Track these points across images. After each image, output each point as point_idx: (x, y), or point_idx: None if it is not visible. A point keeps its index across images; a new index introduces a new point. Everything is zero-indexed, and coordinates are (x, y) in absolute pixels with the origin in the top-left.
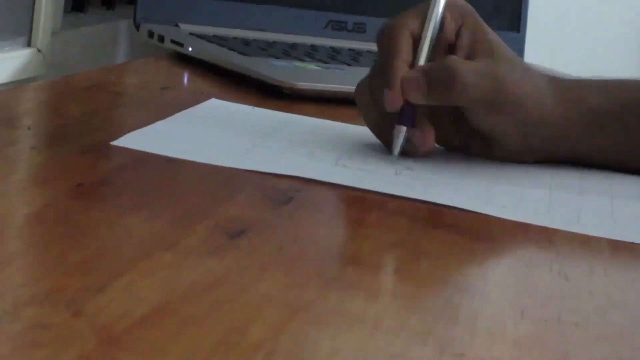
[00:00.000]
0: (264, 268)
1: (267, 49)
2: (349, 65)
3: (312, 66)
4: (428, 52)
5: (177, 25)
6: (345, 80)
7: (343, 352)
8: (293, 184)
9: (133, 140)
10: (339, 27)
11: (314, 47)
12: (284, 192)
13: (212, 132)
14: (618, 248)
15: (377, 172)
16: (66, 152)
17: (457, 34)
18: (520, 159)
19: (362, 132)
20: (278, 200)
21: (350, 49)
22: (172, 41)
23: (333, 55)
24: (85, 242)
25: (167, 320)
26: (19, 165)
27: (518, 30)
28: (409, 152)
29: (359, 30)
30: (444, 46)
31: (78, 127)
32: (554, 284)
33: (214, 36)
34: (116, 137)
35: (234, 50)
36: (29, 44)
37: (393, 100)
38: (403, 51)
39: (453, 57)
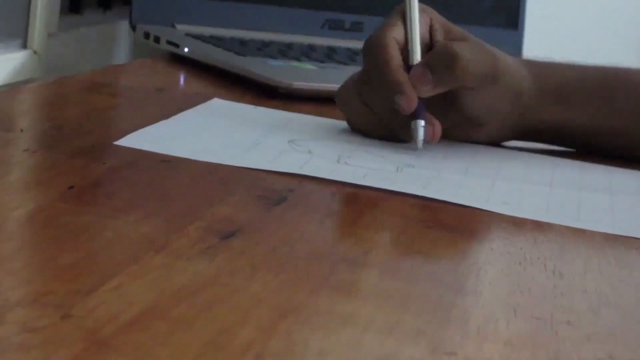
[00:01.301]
0: (255, 269)
1: (264, 49)
2: (346, 64)
3: (308, 66)
4: (420, 49)
5: (173, 26)
6: (342, 79)
7: (334, 353)
8: (287, 183)
9: (136, 140)
10: (335, 27)
11: (310, 47)
12: (277, 192)
13: (215, 131)
14: (613, 246)
15: (379, 169)
16: (59, 155)
17: (430, 31)
18: (500, 138)
19: None
20: (271, 200)
21: (347, 49)
22: (168, 42)
23: (330, 55)
24: (76, 244)
25: (156, 322)
26: (11, 167)
27: (516, 28)
28: (401, 141)
29: (356, 29)
30: (422, 46)
31: (72, 129)
32: (548, 282)
33: (210, 37)
34: (110, 139)
35: (230, 50)
36: (24, 46)
37: (409, 103)
38: (395, 56)
39: (446, 42)
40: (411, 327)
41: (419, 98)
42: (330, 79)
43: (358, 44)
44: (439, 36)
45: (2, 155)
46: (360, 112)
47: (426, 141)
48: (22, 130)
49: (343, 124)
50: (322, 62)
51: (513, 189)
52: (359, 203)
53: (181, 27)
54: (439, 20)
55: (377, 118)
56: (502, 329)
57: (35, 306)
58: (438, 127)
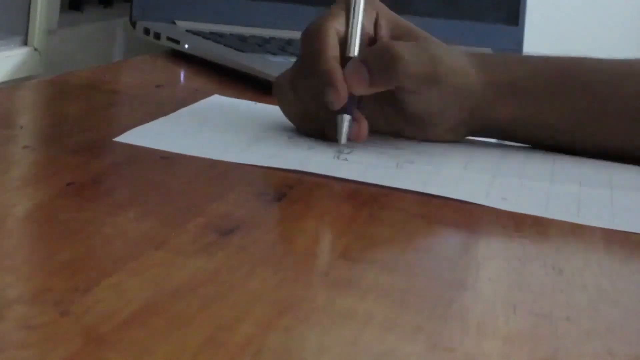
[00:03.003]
0: (254, 265)
1: (264, 45)
2: None
3: None
4: (359, 44)
5: (173, 23)
6: None
7: (332, 349)
8: (286, 179)
9: (136, 136)
10: None
11: None
12: (277, 188)
13: (215, 128)
14: (613, 242)
15: (378, 165)
16: (58, 151)
17: (375, 26)
18: (452, 137)
19: None
20: (271, 197)
21: None
22: (169, 38)
23: None
24: (75, 241)
25: (155, 319)
26: (10, 164)
27: (516, 24)
28: (331, 139)
29: None
30: (365, 39)
31: (71, 126)
32: (547, 278)
33: (211, 33)
34: (110, 136)
35: (230, 46)
36: (25, 43)
37: (338, 98)
38: (331, 48)
39: (386, 40)
40: (410, 323)
41: (350, 94)
42: None
43: None
44: (384, 32)
45: (2, 152)
46: (293, 104)
47: (350, 139)
48: (21, 127)
49: None
50: None
51: (513, 185)
52: (358, 199)
53: (181, 24)
54: (387, 15)
55: (306, 110)
56: (501, 325)
57: (34, 303)
58: (364, 126)
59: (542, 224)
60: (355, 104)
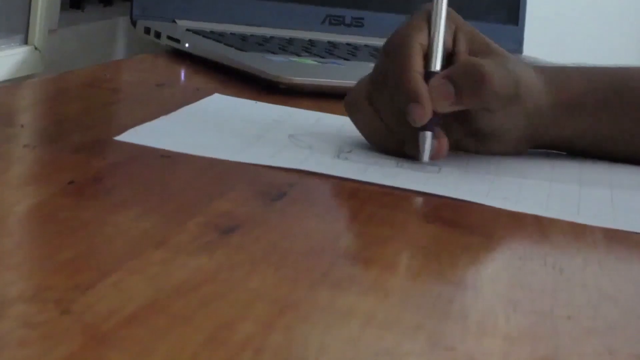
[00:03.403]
0: (255, 264)
1: (264, 44)
2: (346, 60)
3: (309, 61)
4: (442, 59)
5: (174, 22)
6: (343, 75)
7: (333, 348)
8: (287, 178)
9: (136, 135)
10: (336, 22)
11: (311, 42)
12: (277, 187)
13: (215, 126)
14: (613, 241)
15: (379, 165)
16: (59, 150)
17: (454, 39)
18: (514, 151)
19: None
20: (271, 196)
21: (347, 44)
22: (169, 37)
23: (330, 50)
24: (75, 240)
25: (155, 317)
26: (10, 163)
27: (516, 23)
28: (410, 156)
29: (356, 24)
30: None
31: (72, 125)
32: (548, 277)
33: (211, 32)
34: (110, 135)
35: (230, 46)
36: (26, 42)
37: (422, 114)
38: (415, 63)
39: (472, 58)
40: (411, 322)
41: (434, 111)
42: (331, 74)
43: (358, 39)
44: (462, 46)
45: (3, 151)
46: (369, 119)
47: (431, 157)
48: (22, 126)
49: (343, 119)
50: (322, 57)
51: (513, 184)
52: (359, 198)
53: (182, 23)
54: (465, 28)
55: (385, 127)
56: (501, 324)
57: (35, 301)
58: (444, 142)
59: (542, 222)
60: (437, 121)
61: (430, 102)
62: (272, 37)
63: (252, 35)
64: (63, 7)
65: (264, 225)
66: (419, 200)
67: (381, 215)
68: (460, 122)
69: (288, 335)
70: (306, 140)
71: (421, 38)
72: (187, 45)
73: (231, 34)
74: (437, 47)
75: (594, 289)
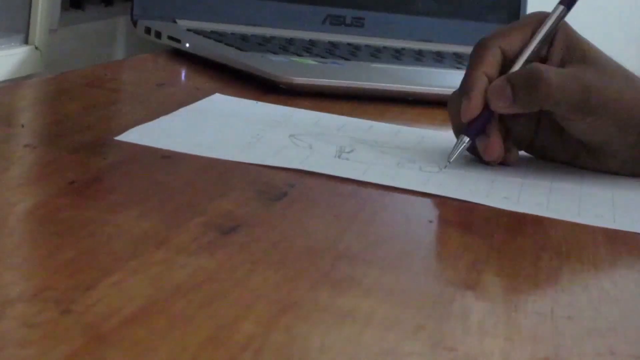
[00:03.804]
0: (255, 264)
1: (265, 44)
2: (347, 60)
3: (309, 61)
4: (524, 64)
5: (174, 22)
6: (344, 75)
7: (334, 349)
8: (287, 178)
9: (137, 135)
10: (337, 22)
11: (311, 42)
12: (278, 187)
13: (216, 126)
14: (614, 241)
15: (379, 165)
16: (59, 150)
17: (550, 45)
18: (627, 171)
19: (364, 125)
20: (272, 196)
21: (348, 44)
22: (170, 37)
23: (331, 50)
24: (76, 239)
25: (156, 317)
26: (11, 163)
27: None
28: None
29: (357, 24)
30: (537, 58)
31: (72, 125)
32: (549, 278)
33: (212, 32)
34: (111, 135)
35: (231, 45)
36: (26, 42)
37: (468, 110)
38: (486, 64)
39: (537, 63)
40: (411, 323)
41: (484, 115)
42: (331, 74)
43: (359, 39)
44: (556, 54)
45: (3, 151)
46: (454, 117)
47: (489, 159)
48: (22, 126)
49: (344, 119)
50: (323, 57)
51: (513, 184)
52: (359, 198)
53: (182, 23)
54: (565, 35)
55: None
56: (502, 325)
57: (35, 301)
58: (495, 143)
59: (543, 222)
60: (483, 125)
61: (478, 99)
62: (272, 37)
63: (252, 35)
64: (63, 7)
65: (264, 225)
66: (420, 200)
67: (382, 216)
68: (564, 134)
69: (289, 335)
70: (307, 140)
71: (504, 43)
72: (187, 45)
73: (232, 33)
74: (524, 54)
75: (595, 289)
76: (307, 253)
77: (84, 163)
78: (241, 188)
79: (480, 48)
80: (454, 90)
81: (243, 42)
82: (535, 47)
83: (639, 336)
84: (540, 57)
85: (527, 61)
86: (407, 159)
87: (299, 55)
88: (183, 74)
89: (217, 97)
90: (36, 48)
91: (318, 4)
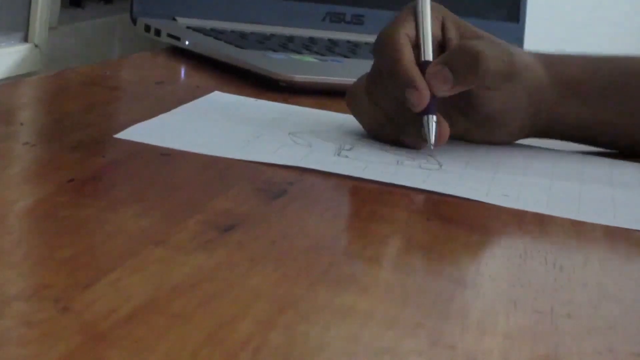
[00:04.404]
0: (254, 262)
1: (265, 42)
2: (347, 57)
3: (309, 59)
4: (432, 46)
5: (174, 19)
6: (343, 72)
7: (333, 347)
8: (287, 176)
9: (136, 133)
10: (336, 19)
11: (311, 40)
12: (277, 185)
13: (215, 124)
14: (614, 239)
15: (379, 162)
16: (59, 148)
17: (443, 29)
18: (513, 139)
19: None
20: (271, 194)
21: (348, 41)
22: (169, 35)
23: (331, 48)
24: (75, 238)
25: (155, 316)
26: (11, 161)
27: (517, 21)
28: (407, 145)
29: (357, 22)
30: (435, 44)
31: (72, 123)
32: (548, 275)
33: (211, 29)
34: (110, 132)
35: (231, 43)
36: (25, 40)
37: (420, 99)
38: (406, 53)
39: (465, 41)
40: (411, 321)
41: (432, 96)
42: (331, 71)
43: (359, 37)
44: (452, 34)
45: (2, 149)
46: (371, 114)
47: (442, 142)
48: (22, 124)
49: (343, 116)
50: (322, 55)
51: (513, 182)
52: (359, 196)
53: (182, 20)
54: (451, 18)
55: (387, 119)
56: (501, 323)
57: (34, 300)
58: (445, 127)
59: (543, 220)
60: (435, 105)
61: (425, 87)
62: (272, 35)
63: (252, 33)
64: (63, 5)
65: (263, 223)
66: (419, 197)
67: (381, 213)
68: (464, 112)
69: (288, 333)
70: (306, 138)
71: (407, 30)
72: (187, 42)
73: (231, 31)
74: (426, 37)
75: (595, 287)
76: (306, 251)
77: (83, 161)
78: (240, 186)
79: (390, 39)
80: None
81: (243, 40)
82: (432, 28)
83: (638, 334)
84: (438, 40)
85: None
86: (406, 157)
87: (299, 52)
88: (182, 72)
89: (217, 94)
90: (35, 46)
91: (318, 2)
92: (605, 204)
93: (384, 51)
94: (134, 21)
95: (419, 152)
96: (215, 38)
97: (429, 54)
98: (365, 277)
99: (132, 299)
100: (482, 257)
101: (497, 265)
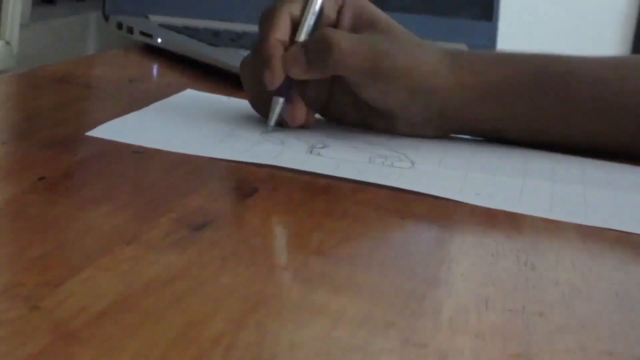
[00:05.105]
0: (226, 261)
1: (237, 40)
2: None
3: None
4: (308, 30)
5: (146, 17)
6: None
7: (304, 345)
8: (259, 174)
9: (107, 131)
10: None
11: None
12: (249, 183)
13: (188, 122)
14: (586, 238)
15: (351, 161)
16: (29, 146)
17: (339, 13)
18: (421, 133)
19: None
20: (243, 192)
21: None
22: (142, 33)
23: None
24: (45, 236)
25: (125, 314)
26: None
27: (490, 19)
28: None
29: None
30: (325, 26)
31: (43, 120)
32: (520, 274)
33: (184, 27)
34: (82, 130)
35: (203, 41)
36: None
37: (272, 79)
38: (278, 30)
39: (328, 28)
40: (382, 319)
41: (287, 77)
42: None
43: None
44: (346, 21)
45: None
46: (250, 87)
47: (285, 122)
48: None
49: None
50: None
51: (486, 180)
52: (331, 194)
53: (154, 18)
54: (353, 4)
55: (259, 91)
56: (473, 321)
57: (4, 298)
58: (299, 109)
59: (515, 219)
60: (291, 88)
61: (279, 67)
62: (244, 33)
63: (224, 31)
64: (35, 2)
65: (235, 221)
66: (392, 196)
67: (354, 212)
68: (354, 101)
69: (259, 332)
70: (278, 136)
71: (292, 9)
72: (159, 40)
73: (204, 29)
74: (307, 19)
75: (566, 286)
76: (278, 250)
77: (55, 159)
78: (212, 184)
79: (270, 14)
80: None
81: (215, 38)
82: (316, 13)
83: (609, 332)
84: (331, 22)
85: (316, 27)
86: (378, 155)
87: None
88: (155, 70)
89: (189, 92)
90: (7, 43)
91: None
92: (578, 202)
93: (260, 26)
94: (106, 18)
95: (392, 150)
96: (188, 36)
97: (301, 36)
98: (337, 276)
99: (103, 298)
100: (454, 255)
101: (469, 264)
